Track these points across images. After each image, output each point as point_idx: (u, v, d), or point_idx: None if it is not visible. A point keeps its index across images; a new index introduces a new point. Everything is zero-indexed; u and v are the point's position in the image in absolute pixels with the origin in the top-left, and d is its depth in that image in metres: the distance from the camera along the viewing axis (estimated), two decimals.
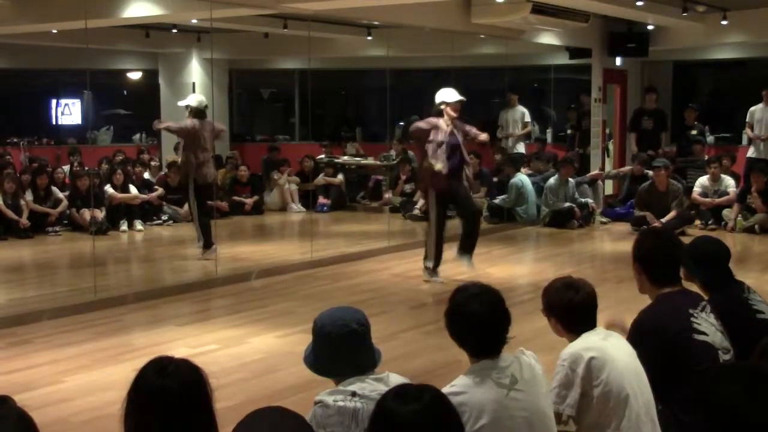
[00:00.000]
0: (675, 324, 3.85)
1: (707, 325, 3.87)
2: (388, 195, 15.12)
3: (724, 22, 13.24)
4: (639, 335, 3.80)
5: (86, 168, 13.56)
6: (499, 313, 3.33)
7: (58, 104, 16.92)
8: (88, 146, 15.06)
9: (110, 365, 6.22)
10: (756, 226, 12.17)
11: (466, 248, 9.15)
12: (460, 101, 9.02)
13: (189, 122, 9.98)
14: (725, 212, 12.62)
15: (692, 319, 3.86)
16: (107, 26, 12.56)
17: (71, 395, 5.60)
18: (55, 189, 12.64)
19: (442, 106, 9.02)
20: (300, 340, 6.11)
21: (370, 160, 15.78)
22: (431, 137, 8.90)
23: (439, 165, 8.81)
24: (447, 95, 9.06)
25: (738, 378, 2.03)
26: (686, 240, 4.81)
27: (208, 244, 10.11)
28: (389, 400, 2.29)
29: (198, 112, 10.07)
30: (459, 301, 3.34)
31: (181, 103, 10.40)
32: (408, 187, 14.81)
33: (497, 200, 13.48)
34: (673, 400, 3.74)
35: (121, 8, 10.83)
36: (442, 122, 8.97)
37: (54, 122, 17.00)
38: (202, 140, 9.98)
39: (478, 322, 3.28)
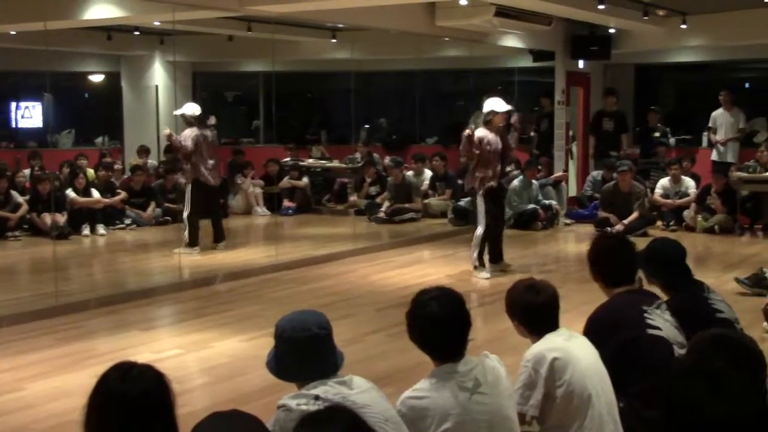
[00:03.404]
0: (628, 317, 3.97)
1: (661, 321, 3.96)
2: (353, 198, 15.11)
3: (683, 26, 13.39)
4: (593, 329, 3.88)
5: (47, 172, 13.41)
6: (459, 315, 3.34)
7: (17, 107, 16.70)
8: (49, 149, 14.88)
9: (72, 371, 6.16)
10: (716, 227, 12.32)
11: (498, 256, 9.62)
12: (508, 111, 9.38)
13: (189, 138, 10.50)
14: (686, 213, 12.77)
15: (645, 315, 3.96)
16: (68, 28, 12.44)
17: (32, 402, 5.53)
18: (14, 193, 12.47)
19: (491, 116, 9.29)
20: (265, 343, 6.05)
21: (336, 163, 15.77)
22: (485, 146, 9.21)
23: (490, 172, 9.26)
24: (497, 105, 9.32)
25: (698, 376, 2.07)
26: (648, 240, 4.86)
27: (195, 243, 10.68)
28: (303, 427, 2.21)
29: (194, 120, 10.64)
30: (418, 303, 3.36)
31: (177, 112, 11.14)
32: (373, 190, 14.81)
33: (462, 202, 13.50)
34: (633, 395, 3.79)
35: (82, 10, 10.73)
36: (488, 132, 9.28)
37: (13, 125, 16.77)
38: (204, 148, 10.59)
39: (437, 324, 3.29)
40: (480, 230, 9.46)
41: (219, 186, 11.26)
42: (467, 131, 9.27)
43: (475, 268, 9.51)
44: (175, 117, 11.39)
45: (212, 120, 10.90)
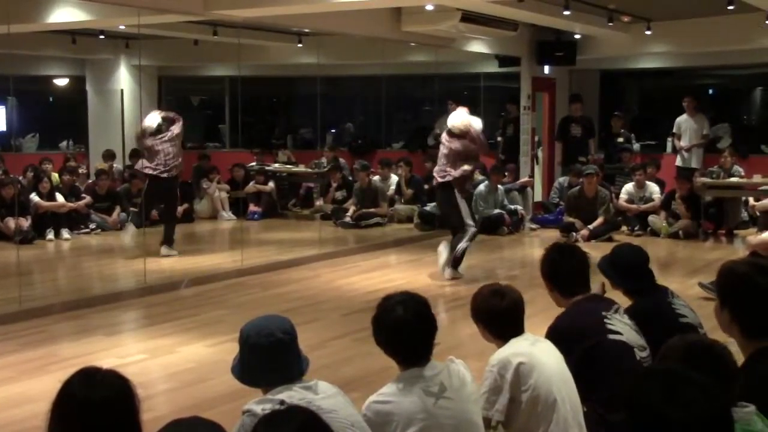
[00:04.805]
0: (588, 325, 3.99)
1: (621, 325, 3.99)
2: (319, 202, 15.12)
3: (648, 32, 13.54)
4: (555, 339, 3.89)
5: (11, 176, 13.27)
6: (424, 320, 3.35)
7: None
8: (13, 153, 14.72)
9: (36, 377, 6.10)
10: (680, 232, 12.45)
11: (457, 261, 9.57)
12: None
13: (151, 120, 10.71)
14: (651, 218, 12.89)
15: (605, 320, 3.98)
16: (32, 31, 12.31)
17: None
18: None
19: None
20: (230, 348, 6.04)
21: (302, 168, 15.75)
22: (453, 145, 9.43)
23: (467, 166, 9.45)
24: (454, 119, 9.58)
25: (656, 379, 2.10)
26: (612, 246, 4.91)
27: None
28: (260, 425, 2.21)
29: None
30: (384, 308, 3.37)
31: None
32: (339, 195, 14.81)
33: (428, 207, 13.55)
34: (596, 399, 3.82)
35: (46, 13, 10.63)
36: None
37: None
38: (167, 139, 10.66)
39: (402, 328, 3.30)
40: (471, 230, 9.45)
41: (172, 185, 11.12)
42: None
43: (454, 267, 9.48)
44: (141, 120, 11.31)
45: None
